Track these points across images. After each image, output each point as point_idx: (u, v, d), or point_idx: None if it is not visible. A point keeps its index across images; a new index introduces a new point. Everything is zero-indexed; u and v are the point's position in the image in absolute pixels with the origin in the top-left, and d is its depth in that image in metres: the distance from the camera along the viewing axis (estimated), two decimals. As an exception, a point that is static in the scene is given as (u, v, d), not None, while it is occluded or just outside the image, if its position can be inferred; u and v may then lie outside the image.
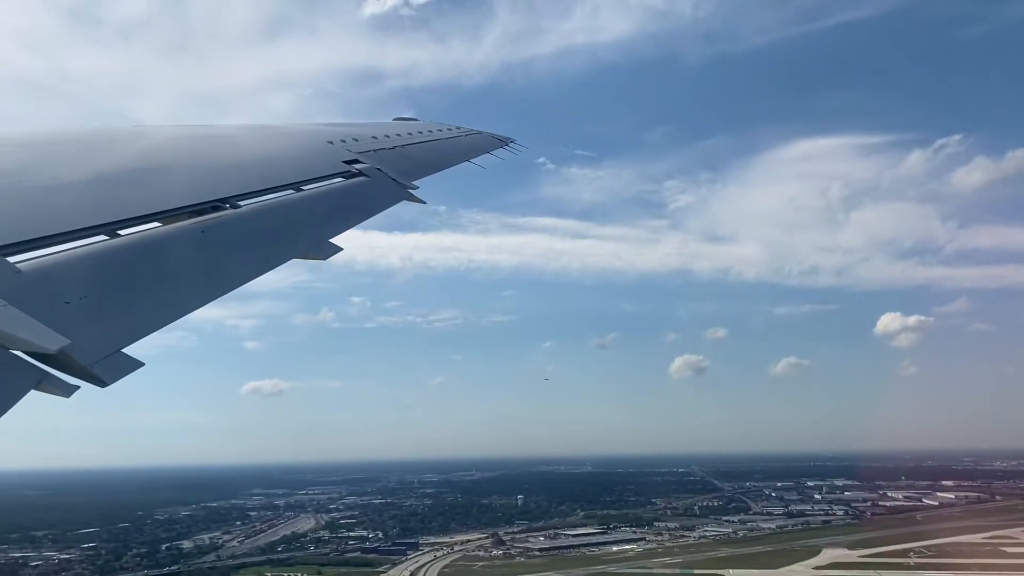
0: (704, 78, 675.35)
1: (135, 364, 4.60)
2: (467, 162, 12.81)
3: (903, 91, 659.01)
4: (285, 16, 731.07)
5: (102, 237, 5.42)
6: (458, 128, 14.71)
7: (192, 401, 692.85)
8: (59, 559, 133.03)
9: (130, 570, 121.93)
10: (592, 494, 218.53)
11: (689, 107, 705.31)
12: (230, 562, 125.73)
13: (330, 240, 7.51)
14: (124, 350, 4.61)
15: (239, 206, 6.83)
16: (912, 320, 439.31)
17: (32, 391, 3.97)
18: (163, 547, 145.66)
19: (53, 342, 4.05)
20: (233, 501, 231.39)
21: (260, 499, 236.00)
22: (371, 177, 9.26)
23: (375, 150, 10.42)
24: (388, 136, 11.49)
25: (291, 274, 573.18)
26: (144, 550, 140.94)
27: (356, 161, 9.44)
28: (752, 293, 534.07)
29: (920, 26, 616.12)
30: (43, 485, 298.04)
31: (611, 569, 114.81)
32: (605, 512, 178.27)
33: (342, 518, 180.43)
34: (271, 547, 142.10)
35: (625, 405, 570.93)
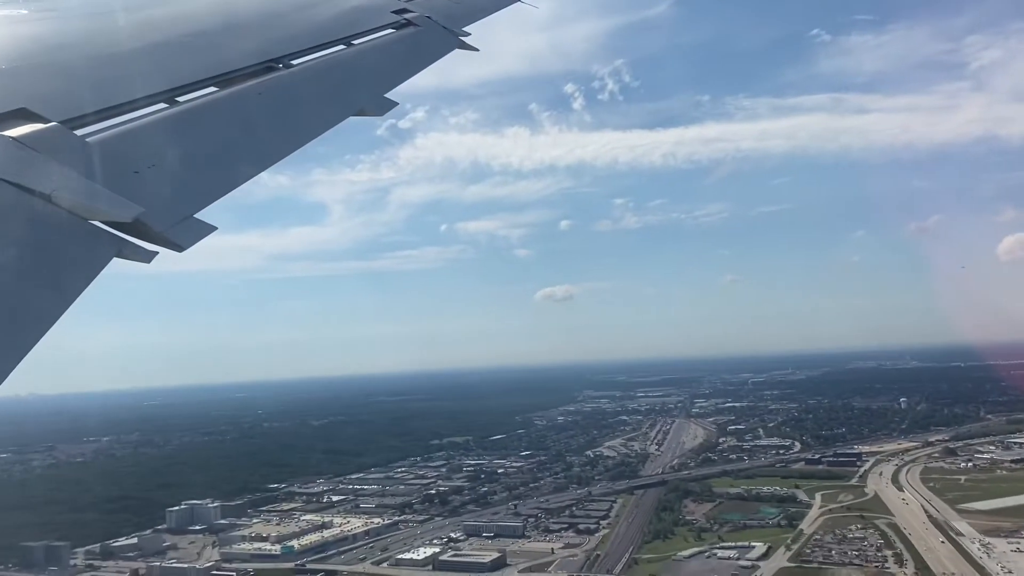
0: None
1: (208, 228, 4.66)
2: (520, 2, 11.81)
3: None
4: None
5: (162, 105, 5.39)
6: None
7: (481, 308, 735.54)
8: (513, 467, 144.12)
9: (594, 481, 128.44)
10: (974, 394, 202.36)
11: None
12: (684, 473, 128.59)
13: (385, 96, 7.29)
14: (196, 215, 4.69)
15: (292, 66, 6.69)
16: None
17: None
18: (588, 454, 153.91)
19: (129, 211, 4.18)
20: (584, 406, 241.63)
21: (607, 402, 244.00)
22: (421, 26, 8.92)
23: None
24: None
25: (555, 181, 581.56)
26: (578, 459, 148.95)
27: (405, 10, 9.02)
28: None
29: None
30: (391, 391, 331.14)
31: None
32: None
33: (726, 423, 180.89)
34: (698, 456, 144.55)
35: (938, 292, 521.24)
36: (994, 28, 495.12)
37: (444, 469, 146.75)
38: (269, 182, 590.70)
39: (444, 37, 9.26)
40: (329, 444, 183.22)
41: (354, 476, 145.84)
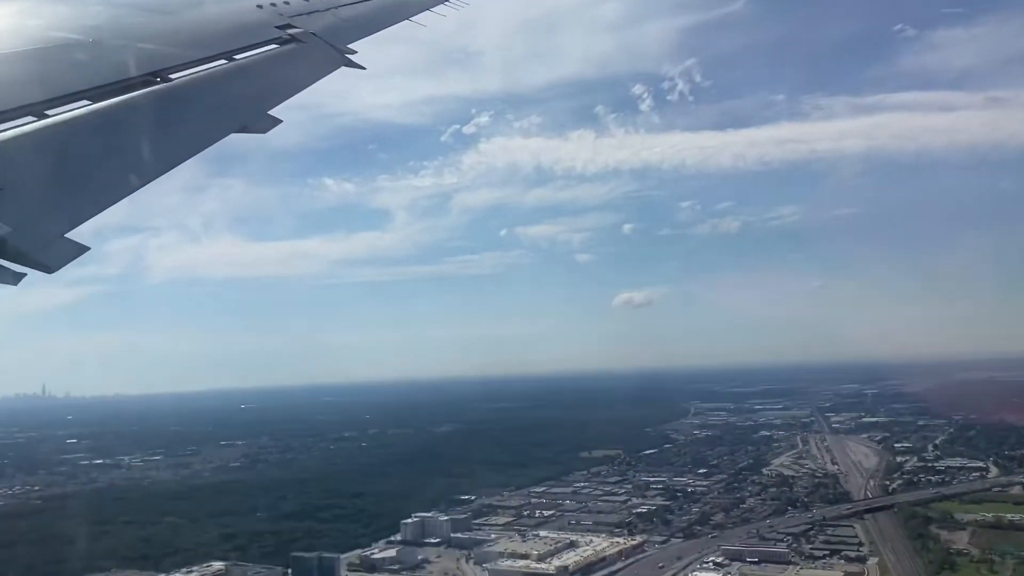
0: None
1: (80, 249, 4.49)
2: (407, 20, 11.68)
3: None
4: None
5: (30, 118, 5.11)
6: None
7: (546, 313, 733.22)
8: (700, 486, 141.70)
9: (809, 504, 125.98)
10: None
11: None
12: (902, 498, 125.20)
13: (268, 112, 7.19)
14: (67, 235, 4.52)
15: (171, 79, 6.45)
16: None
17: None
18: (765, 473, 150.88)
19: None
20: (707, 419, 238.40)
21: (728, 415, 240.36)
22: (305, 42, 8.79)
23: (307, 13, 9.67)
24: None
25: (619, 185, 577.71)
26: (762, 479, 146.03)
27: (289, 26, 8.89)
28: None
29: None
30: (481, 397, 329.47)
31: None
32: None
33: (883, 440, 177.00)
34: (892, 477, 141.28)
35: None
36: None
37: (629, 486, 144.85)
38: (335, 188, 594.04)
39: (329, 54, 9.13)
40: (477, 454, 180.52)
41: (538, 489, 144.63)
